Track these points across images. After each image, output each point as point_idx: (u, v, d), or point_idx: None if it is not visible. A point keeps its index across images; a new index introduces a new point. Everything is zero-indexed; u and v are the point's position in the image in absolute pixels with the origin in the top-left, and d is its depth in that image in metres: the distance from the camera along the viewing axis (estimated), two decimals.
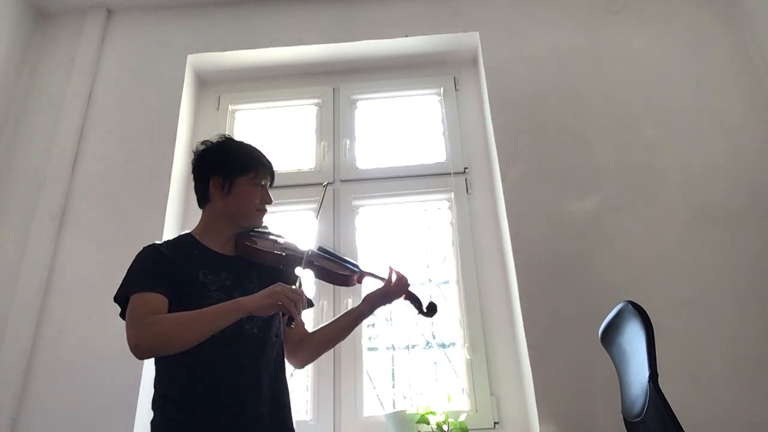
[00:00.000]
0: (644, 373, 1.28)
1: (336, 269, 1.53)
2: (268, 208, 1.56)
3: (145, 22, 2.86)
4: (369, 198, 2.60)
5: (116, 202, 2.43)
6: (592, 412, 1.97)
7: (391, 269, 1.57)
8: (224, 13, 2.84)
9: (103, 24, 2.83)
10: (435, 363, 2.31)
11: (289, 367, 1.55)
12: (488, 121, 2.56)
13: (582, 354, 2.01)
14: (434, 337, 2.36)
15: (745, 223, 2.25)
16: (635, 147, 2.41)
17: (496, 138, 2.45)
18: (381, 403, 2.25)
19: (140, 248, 1.43)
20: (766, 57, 2.52)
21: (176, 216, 2.49)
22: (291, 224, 2.57)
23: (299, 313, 1.29)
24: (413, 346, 2.34)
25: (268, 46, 2.74)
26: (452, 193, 2.56)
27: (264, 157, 1.58)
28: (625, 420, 1.49)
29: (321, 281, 1.57)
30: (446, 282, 2.45)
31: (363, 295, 1.62)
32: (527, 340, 2.09)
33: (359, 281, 1.57)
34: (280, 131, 2.80)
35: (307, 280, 1.52)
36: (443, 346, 2.34)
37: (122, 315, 1.34)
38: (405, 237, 2.54)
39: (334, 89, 2.82)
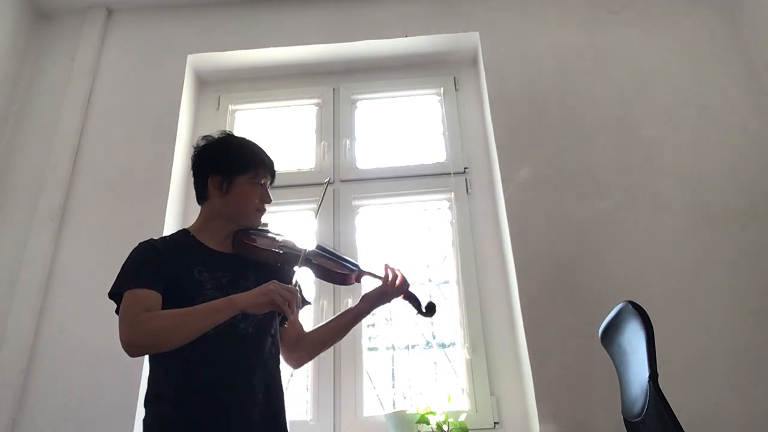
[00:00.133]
0: (644, 373, 1.28)
1: (334, 268, 1.52)
2: (268, 207, 1.55)
3: (145, 22, 2.86)
4: (369, 198, 2.60)
5: (116, 202, 2.42)
6: (592, 412, 1.97)
7: (387, 267, 1.55)
8: (224, 13, 2.84)
9: (103, 24, 2.82)
10: (435, 363, 2.31)
11: (287, 367, 1.54)
12: (488, 120, 2.56)
13: (582, 354, 2.02)
14: (434, 337, 2.36)
15: (745, 223, 2.25)
16: (635, 147, 2.41)
17: (496, 138, 2.45)
18: (381, 403, 2.24)
19: None
20: (766, 57, 2.52)
21: (176, 216, 2.49)
22: (291, 224, 2.57)
23: (293, 312, 1.27)
24: (413, 346, 2.34)
25: (268, 46, 2.74)
26: (452, 193, 2.56)
27: (265, 154, 1.56)
28: (625, 420, 1.49)
29: (320, 280, 1.56)
30: (446, 282, 2.45)
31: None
32: (527, 340, 2.09)
33: (358, 280, 1.56)
34: (280, 131, 2.80)
35: (305, 278, 1.51)
36: (443, 346, 2.34)
37: (118, 312, 1.32)
38: (405, 237, 2.54)
39: (334, 89, 2.82)
